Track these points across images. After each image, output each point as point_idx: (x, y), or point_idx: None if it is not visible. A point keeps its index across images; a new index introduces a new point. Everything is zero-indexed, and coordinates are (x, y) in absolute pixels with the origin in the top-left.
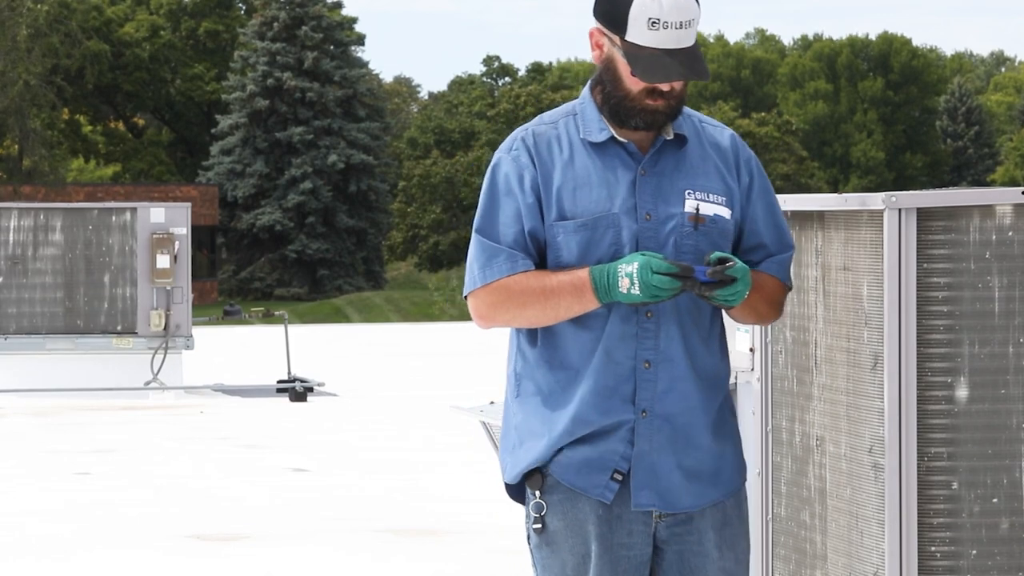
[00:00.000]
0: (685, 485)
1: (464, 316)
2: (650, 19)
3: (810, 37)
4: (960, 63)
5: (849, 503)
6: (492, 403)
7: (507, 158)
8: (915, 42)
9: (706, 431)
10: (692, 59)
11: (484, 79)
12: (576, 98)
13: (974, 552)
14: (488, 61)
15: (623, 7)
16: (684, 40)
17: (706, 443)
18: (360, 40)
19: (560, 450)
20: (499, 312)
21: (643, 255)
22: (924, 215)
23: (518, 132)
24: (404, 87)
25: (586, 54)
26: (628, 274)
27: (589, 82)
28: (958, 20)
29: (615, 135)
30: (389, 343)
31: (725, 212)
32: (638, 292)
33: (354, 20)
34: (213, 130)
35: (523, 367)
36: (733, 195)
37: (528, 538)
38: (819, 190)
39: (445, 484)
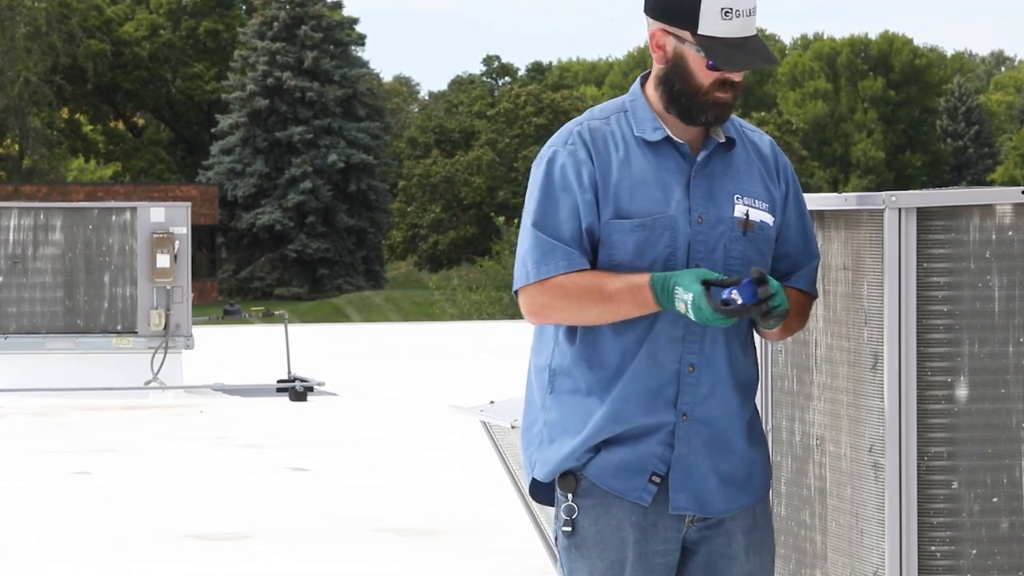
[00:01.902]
0: (720, 490)
1: (464, 316)
2: (723, 9)
3: (810, 37)
4: (960, 63)
5: (849, 503)
6: (492, 403)
7: (563, 151)
8: (915, 42)
9: (741, 436)
10: (761, 45)
11: (484, 79)
12: (579, 96)
13: (974, 552)
14: (488, 61)
15: (692, 2)
16: (752, 28)
17: (740, 448)
18: (360, 40)
19: (597, 452)
20: (552, 312)
21: (697, 283)
22: (924, 215)
23: (571, 126)
24: (404, 87)
25: (586, 53)
26: (684, 301)
27: (639, 80)
28: (958, 20)
29: (671, 135)
30: (389, 343)
31: (769, 219)
32: (693, 319)
33: (355, 20)
34: (213, 129)
35: (560, 363)
36: (775, 202)
37: (556, 539)
38: (819, 190)
39: (445, 484)
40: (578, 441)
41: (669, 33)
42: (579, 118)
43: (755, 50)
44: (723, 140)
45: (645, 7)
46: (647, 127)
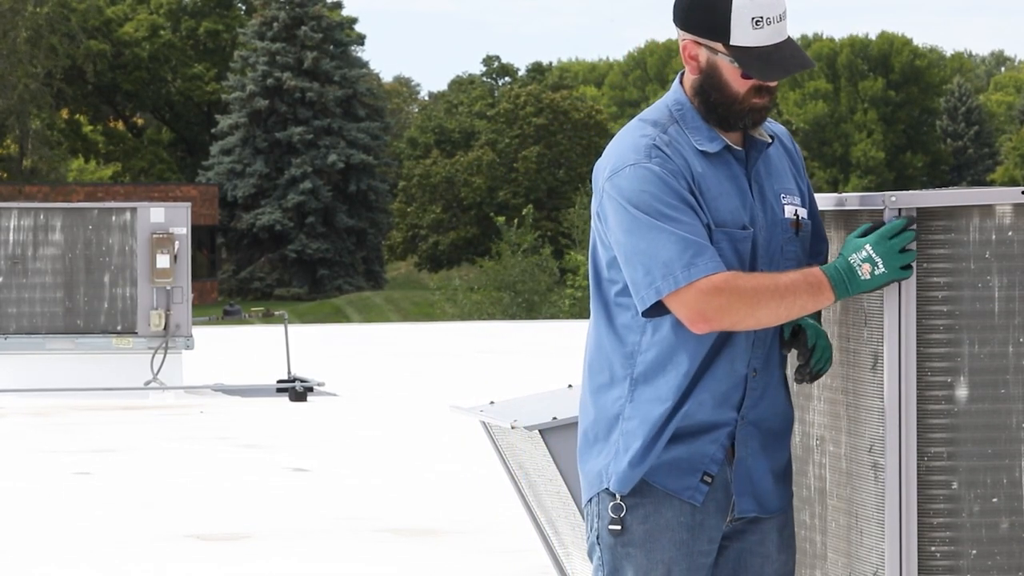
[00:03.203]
0: (775, 489)
1: (464, 316)
2: (753, 19)
3: (810, 37)
4: (960, 63)
5: (849, 503)
6: (492, 403)
7: (652, 164)
8: (915, 42)
9: (785, 436)
10: (795, 49)
11: (484, 79)
12: (579, 96)
13: (974, 552)
14: (488, 61)
15: (722, 13)
16: (784, 32)
17: (784, 446)
18: (360, 40)
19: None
20: (727, 314)
21: (860, 235)
22: (924, 215)
23: (643, 140)
24: (404, 87)
25: (586, 53)
26: (867, 259)
27: (679, 90)
28: (958, 20)
29: (729, 144)
30: (389, 343)
31: (805, 213)
32: (884, 269)
33: (354, 20)
34: (213, 130)
35: (642, 371)
36: (804, 195)
37: (598, 538)
38: (819, 190)
39: (445, 484)
40: (652, 449)
41: (701, 44)
42: (640, 130)
43: (789, 56)
44: (770, 141)
45: (675, 19)
46: (703, 137)
